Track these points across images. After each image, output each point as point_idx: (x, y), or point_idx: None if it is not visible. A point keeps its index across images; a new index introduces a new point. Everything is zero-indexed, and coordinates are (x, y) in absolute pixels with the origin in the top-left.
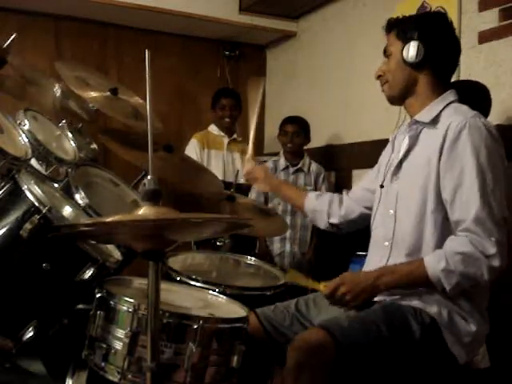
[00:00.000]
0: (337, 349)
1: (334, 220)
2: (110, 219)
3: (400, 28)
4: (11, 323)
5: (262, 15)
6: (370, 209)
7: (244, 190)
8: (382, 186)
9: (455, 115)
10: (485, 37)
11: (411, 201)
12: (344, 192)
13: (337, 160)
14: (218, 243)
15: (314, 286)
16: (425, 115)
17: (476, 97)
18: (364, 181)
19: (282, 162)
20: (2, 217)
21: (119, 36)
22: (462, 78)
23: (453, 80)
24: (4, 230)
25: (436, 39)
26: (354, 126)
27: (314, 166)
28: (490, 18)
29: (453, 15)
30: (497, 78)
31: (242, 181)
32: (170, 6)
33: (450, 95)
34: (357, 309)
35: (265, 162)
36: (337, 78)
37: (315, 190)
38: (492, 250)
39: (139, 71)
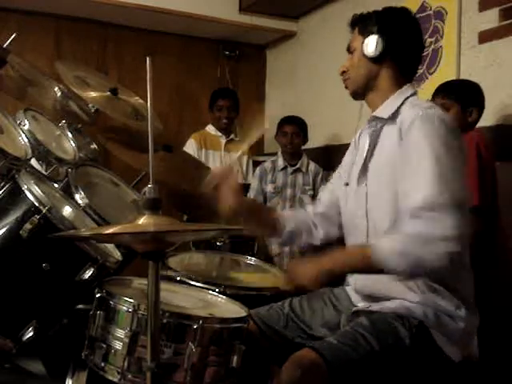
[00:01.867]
0: (328, 369)
1: (320, 242)
2: (109, 231)
3: (361, 23)
4: (11, 323)
5: (262, 15)
6: (334, 227)
7: (243, 189)
8: (346, 184)
9: (411, 108)
10: (485, 37)
11: (382, 200)
12: (309, 209)
13: (336, 160)
14: (217, 243)
15: (282, 287)
16: (383, 111)
17: (470, 94)
18: (331, 184)
19: (281, 163)
20: (2, 217)
21: (119, 36)
22: (462, 77)
23: (452, 79)
24: (4, 230)
25: (396, 33)
26: (354, 125)
27: (313, 166)
28: (490, 18)
29: (453, 15)
30: (497, 78)
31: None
32: (170, 5)
33: (408, 89)
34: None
35: (264, 162)
36: (337, 77)
37: (314, 189)
38: (447, 232)
39: (139, 71)
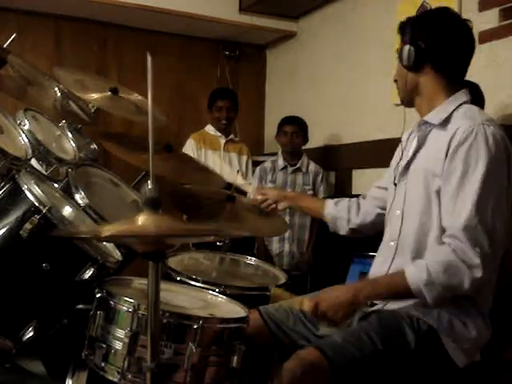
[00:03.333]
0: (331, 368)
1: (354, 226)
2: (108, 232)
3: (402, 31)
4: (11, 323)
5: (262, 15)
6: (385, 209)
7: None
8: (395, 184)
9: (465, 119)
10: (485, 37)
11: (417, 202)
12: (361, 196)
13: (337, 160)
14: (217, 243)
15: (296, 305)
16: (434, 116)
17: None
18: (378, 181)
19: (281, 162)
20: (2, 217)
21: (119, 36)
22: None
23: None
24: (4, 230)
25: (431, 38)
26: (354, 125)
27: (313, 166)
28: (490, 18)
29: None
30: (497, 78)
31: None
32: (170, 5)
33: (461, 96)
34: (344, 323)
35: (264, 162)
36: (337, 77)
37: (314, 189)
38: (476, 260)
39: (139, 71)
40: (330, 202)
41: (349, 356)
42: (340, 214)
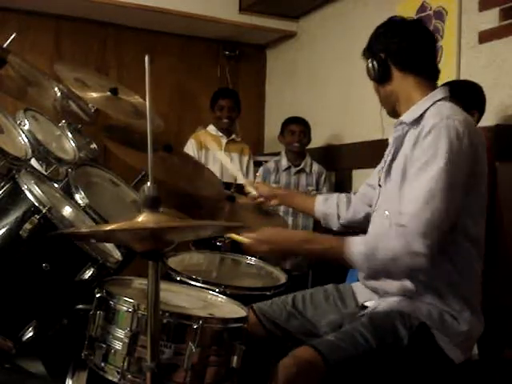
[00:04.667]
0: (326, 366)
1: (344, 221)
2: (108, 228)
3: (362, 56)
4: (11, 323)
5: (262, 15)
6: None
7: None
8: (379, 186)
9: (434, 115)
10: (485, 37)
11: (395, 202)
12: (352, 192)
13: (337, 160)
14: (217, 243)
15: (238, 239)
16: (407, 116)
17: (468, 97)
18: (369, 178)
19: (284, 163)
20: (2, 217)
21: (119, 36)
22: (462, 78)
23: (451, 80)
24: (4, 230)
25: (388, 44)
26: (354, 125)
27: (316, 167)
28: (490, 18)
29: (453, 15)
30: (497, 78)
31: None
32: (170, 5)
33: (438, 93)
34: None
35: (264, 162)
36: (337, 77)
37: (317, 190)
38: (421, 249)
39: (139, 71)
40: (319, 199)
41: (343, 354)
42: (329, 210)
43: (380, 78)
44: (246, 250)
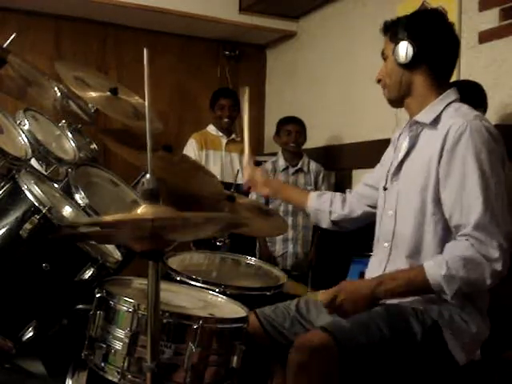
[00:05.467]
0: (339, 350)
1: (336, 218)
2: (108, 218)
3: (392, 30)
4: (11, 323)
5: (262, 15)
6: (372, 207)
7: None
8: (385, 189)
9: (456, 117)
10: (485, 37)
11: (411, 202)
12: (347, 191)
13: (337, 160)
14: (217, 243)
15: (312, 296)
16: (425, 116)
17: (473, 96)
18: (366, 178)
19: (282, 163)
20: (2, 217)
21: (119, 36)
22: (462, 78)
23: (454, 80)
24: (4, 230)
25: (427, 37)
26: (354, 125)
27: (314, 165)
28: (490, 18)
29: (453, 15)
30: (497, 78)
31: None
32: (169, 5)
33: (450, 94)
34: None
35: (264, 162)
36: (337, 77)
37: (315, 189)
38: (495, 253)
39: (139, 71)
40: (313, 195)
41: (357, 341)
42: (322, 206)
43: (408, 63)
44: (326, 306)
